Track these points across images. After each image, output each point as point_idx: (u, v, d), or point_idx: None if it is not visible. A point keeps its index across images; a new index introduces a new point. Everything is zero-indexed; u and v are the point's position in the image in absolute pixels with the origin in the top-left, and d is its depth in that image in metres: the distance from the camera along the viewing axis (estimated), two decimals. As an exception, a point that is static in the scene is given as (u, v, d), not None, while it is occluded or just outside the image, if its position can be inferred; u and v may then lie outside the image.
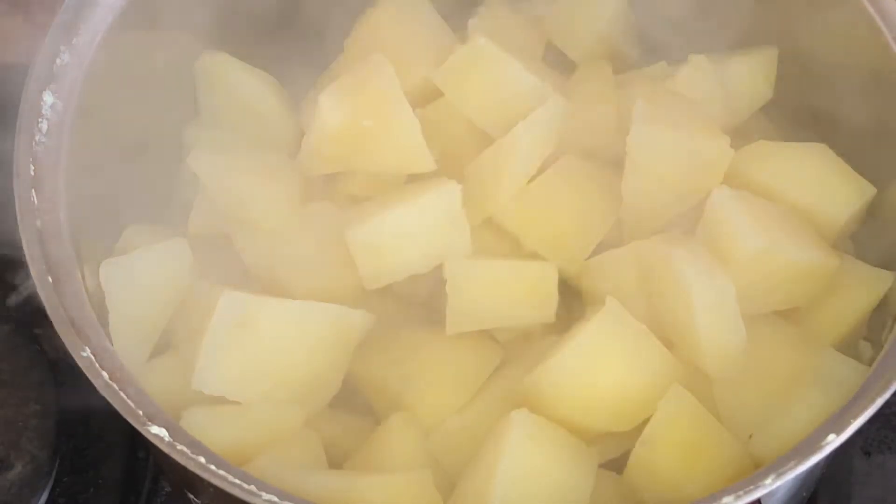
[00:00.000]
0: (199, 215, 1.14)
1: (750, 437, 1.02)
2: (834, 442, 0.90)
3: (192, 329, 1.03)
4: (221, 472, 0.89)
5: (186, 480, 1.00)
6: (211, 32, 1.18)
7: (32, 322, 1.19)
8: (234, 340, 1.00)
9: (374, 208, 1.08)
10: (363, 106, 1.09)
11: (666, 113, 1.11)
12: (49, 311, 0.95)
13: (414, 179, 1.12)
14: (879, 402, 0.91)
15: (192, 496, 1.01)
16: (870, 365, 1.01)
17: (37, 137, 1.03)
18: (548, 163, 1.12)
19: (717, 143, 1.10)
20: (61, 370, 1.17)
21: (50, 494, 1.15)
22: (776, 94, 1.21)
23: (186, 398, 1.01)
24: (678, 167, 1.09)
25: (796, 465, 0.89)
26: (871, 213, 1.13)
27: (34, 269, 0.97)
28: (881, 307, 1.09)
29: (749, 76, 1.20)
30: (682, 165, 1.09)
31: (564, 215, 1.11)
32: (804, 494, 1.11)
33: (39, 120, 1.03)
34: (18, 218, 0.99)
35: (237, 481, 0.88)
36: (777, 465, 0.90)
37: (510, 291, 1.07)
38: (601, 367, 1.01)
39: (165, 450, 0.90)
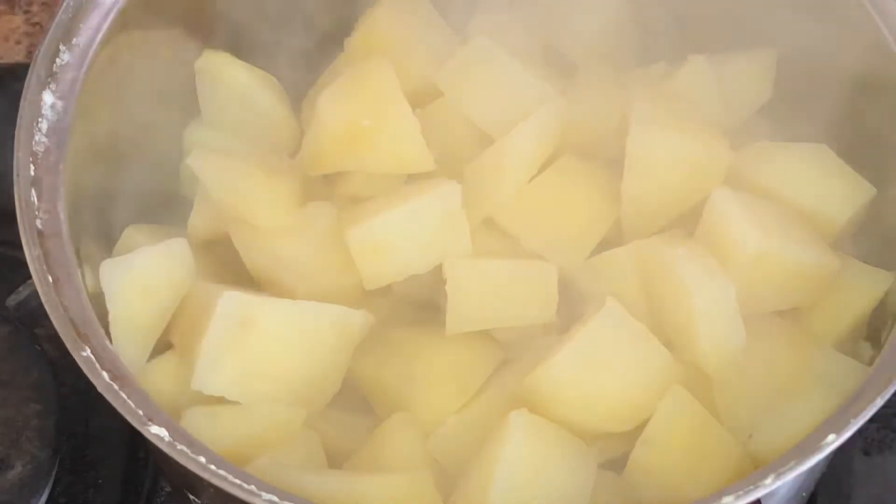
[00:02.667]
0: (199, 215, 1.14)
1: (750, 437, 1.02)
2: (834, 442, 0.90)
3: (192, 329, 1.03)
4: (221, 472, 0.89)
5: (186, 480, 1.00)
6: (211, 32, 1.18)
7: (32, 322, 1.19)
8: (234, 340, 1.00)
9: (374, 208, 1.08)
10: (363, 106, 1.09)
11: (666, 113, 1.11)
12: (49, 311, 0.95)
13: (414, 179, 1.12)
14: (879, 402, 0.91)
15: (192, 496, 1.01)
16: (870, 365, 1.01)
17: (37, 137, 1.03)
18: (548, 163, 1.12)
19: (716, 144, 1.10)
20: (61, 370, 1.17)
21: (50, 494, 1.15)
22: (776, 94, 1.21)
23: (186, 398, 1.01)
24: (678, 168, 1.09)
25: (796, 465, 0.89)
26: (871, 213, 1.13)
27: (34, 269, 0.97)
28: (881, 307, 1.09)
29: (749, 76, 1.20)
30: (682, 166, 1.09)
31: (564, 215, 1.11)
32: (804, 494, 1.11)
33: (39, 120, 1.03)
34: (18, 218, 0.99)
35: (237, 481, 0.88)
36: (777, 465, 0.89)
37: (510, 291, 1.07)
38: (601, 367, 1.01)
39: (165, 450, 0.90)
